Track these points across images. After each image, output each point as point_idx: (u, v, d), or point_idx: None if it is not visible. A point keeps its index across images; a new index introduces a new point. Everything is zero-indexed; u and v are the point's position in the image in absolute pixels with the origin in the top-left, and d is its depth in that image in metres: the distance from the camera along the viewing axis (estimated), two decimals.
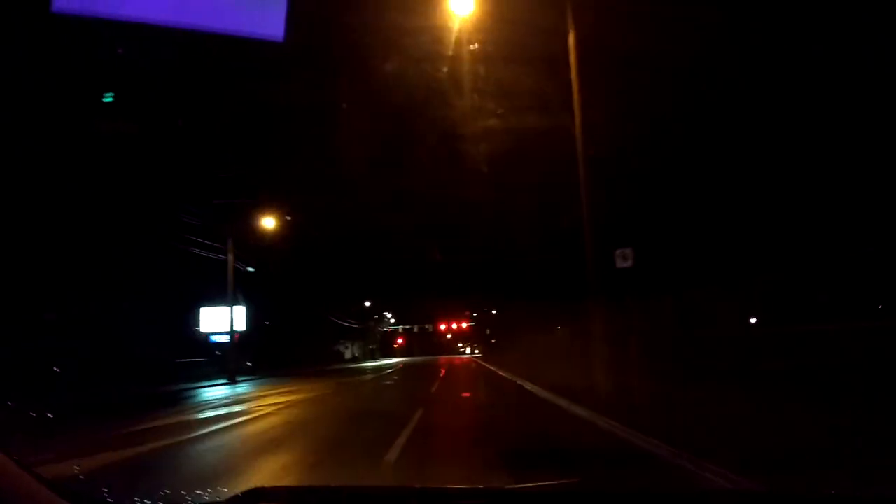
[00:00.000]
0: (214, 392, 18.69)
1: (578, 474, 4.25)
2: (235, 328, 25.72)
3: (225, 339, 27.21)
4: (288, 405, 12.64)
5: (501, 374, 25.38)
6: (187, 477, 5.40)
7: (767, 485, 3.68)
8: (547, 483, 2.67)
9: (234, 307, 25.39)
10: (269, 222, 26.11)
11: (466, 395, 15.80)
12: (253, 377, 26.13)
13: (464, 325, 75.26)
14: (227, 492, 2.16)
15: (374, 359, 61.01)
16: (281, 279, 35.00)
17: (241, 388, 20.21)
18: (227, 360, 24.52)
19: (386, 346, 79.11)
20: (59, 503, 1.32)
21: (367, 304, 50.46)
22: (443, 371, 29.77)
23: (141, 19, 2.92)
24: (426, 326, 69.95)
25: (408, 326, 73.50)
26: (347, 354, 56.97)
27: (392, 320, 78.81)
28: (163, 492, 3.98)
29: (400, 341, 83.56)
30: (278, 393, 16.31)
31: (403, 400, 14.01)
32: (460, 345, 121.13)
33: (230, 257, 24.06)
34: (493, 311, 69.89)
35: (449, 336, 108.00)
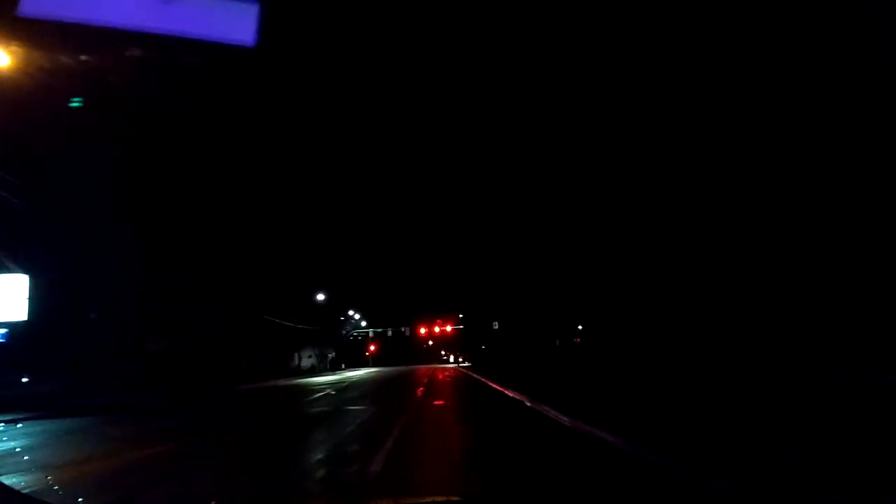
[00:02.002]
0: None
1: None
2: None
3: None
4: None
5: (509, 394, 15.75)
6: None
7: None
8: None
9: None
10: None
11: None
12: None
13: (448, 328, 65.11)
14: None
15: (336, 370, 50.49)
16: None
17: None
18: None
19: (354, 354, 68.47)
20: None
21: (321, 297, 40.47)
22: (420, 390, 19.73)
23: (110, 24, 2.95)
24: (402, 330, 59.72)
25: (379, 330, 62.99)
26: (305, 364, 46.50)
27: (363, 323, 68.27)
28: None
29: (372, 348, 72.85)
30: None
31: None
32: (443, 353, 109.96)
33: None
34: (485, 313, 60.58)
35: (430, 342, 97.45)
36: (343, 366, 57.60)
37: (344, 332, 57.26)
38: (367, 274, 67.66)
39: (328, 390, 21.03)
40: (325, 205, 66.49)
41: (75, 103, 15.90)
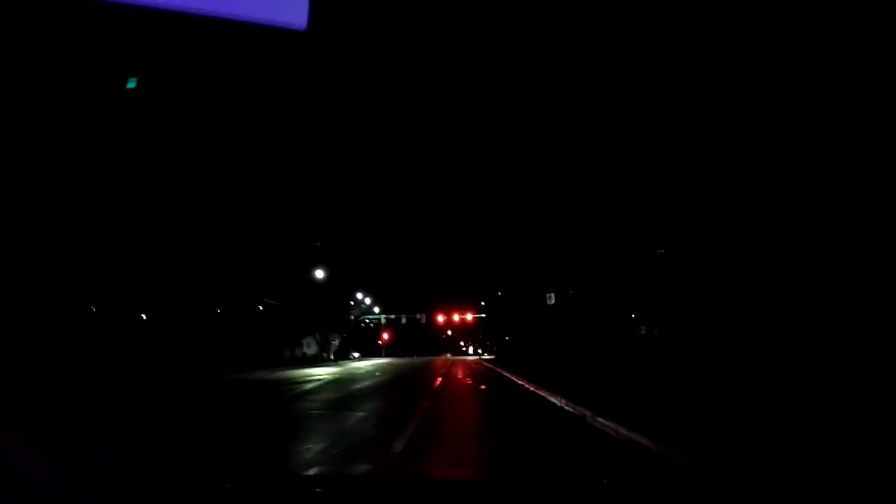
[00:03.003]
0: None
1: None
2: None
3: None
4: None
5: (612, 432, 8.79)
6: None
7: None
8: None
9: None
10: None
11: None
12: None
13: (468, 316, 58.91)
14: None
15: (344, 359, 44.77)
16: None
17: None
18: None
19: (366, 342, 62.84)
20: (67, 488, 1.43)
21: (320, 274, 34.48)
22: (424, 405, 13.38)
23: (160, 5, 2.72)
24: (418, 317, 53.73)
25: (392, 317, 57.08)
26: (304, 352, 40.93)
27: (376, 309, 62.50)
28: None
29: (385, 337, 67.14)
30: None
31: None
32: (462, 343, 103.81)
33: None
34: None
35: (449, 332, 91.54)
36: (355, 354, 51.92)
37: (353, 318, 51.57)
38: (380, 253, 61.98)
39: (322, 390, 15.03)
40: (337, 177, 60.74)
41: (131, 84, 16.86)
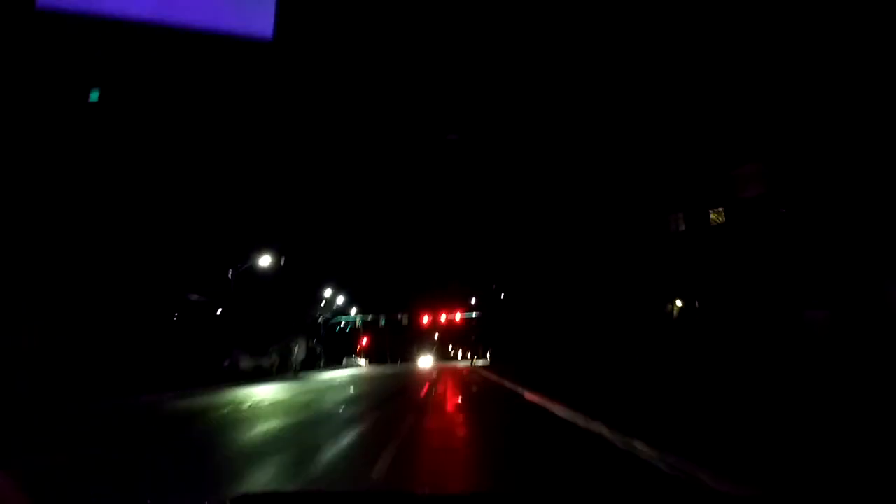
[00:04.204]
0: None
1: None
2: None
3: None
4: None
5: None
6: None
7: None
8: None
9: None
10: None
11: None
12: None
13: (457, 316, 52.07)
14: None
15: (308, 371, 37.56)
16: None
17: None
18: None
19: (341, 349, 55.61)
20: None
21: (267, 261, 26.82)
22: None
23: (127, 16, 3.00)
24: (399, 317, 46.84)
25: (369, 317, 49.90)
26: (264, 362, 33.83)
27: (353, 311, 55.23)
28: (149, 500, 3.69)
29: (364, 342, 59.94)
30: None
31: None
32: (451, 348, 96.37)
33: None
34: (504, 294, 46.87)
35: (436, 335, 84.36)
36: (317, 365, 44.44)
37: (320, 318, 44.22)
38: (355, 243, 54.90)
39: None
40: (305, 169, 53.73)
41: (93, 97, 17.46)
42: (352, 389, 18.06)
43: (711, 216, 22.29)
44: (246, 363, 27.58)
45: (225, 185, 30.28)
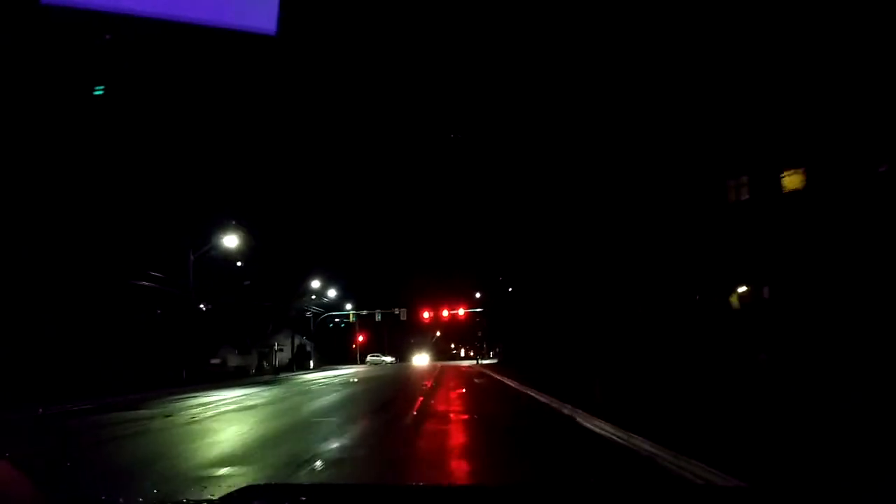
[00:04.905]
0: None
1: None
2: None
3: None
4: None
5: None
6: None
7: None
8: None
9: None
10: None
11: None
12: None
13: (460, 311, 47.68)
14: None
15: (296, 372, 33.14)
16: None
17: None
18: None
19: (335, 347, 51.27)
20: None
21: (230, 241, 21.88)
22: None
23: (130, 11, 3.06)
24: (396, 312, 42.48)
25: (364, 313, 45.39)
26: (239, 361, 29.49)
27: (348, 306, 50.74)
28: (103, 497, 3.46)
29: (361, 339, 55.59)
30: None
31: None
32: (453, 346, 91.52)
33: None
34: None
35: (437, 333, 79.87)
36: (305, 366, 39.69)
37: (308, 313, 39.58)
38: (350, 233, 50.55)
39: None
40: (302, 157, 49.51)
41: (98, 91, 16.91)
42: (310, 405, 13.58)
43: (785, 180, 17.86)
44: (236, 360, 23.14)
45: (198, 163, 26.11)
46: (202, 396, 15.77)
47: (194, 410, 11.91)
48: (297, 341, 40.59)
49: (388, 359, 56.32)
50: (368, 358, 54.82)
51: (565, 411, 9.63)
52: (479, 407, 11.64)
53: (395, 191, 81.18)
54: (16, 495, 1.30)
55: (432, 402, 12.81)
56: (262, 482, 4.84)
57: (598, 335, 21.20)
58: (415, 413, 10.40)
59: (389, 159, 73.29)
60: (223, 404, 13.29)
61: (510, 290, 35.46)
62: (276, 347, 30.71)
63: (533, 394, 13.37)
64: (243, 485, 2.64)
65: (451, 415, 10.32)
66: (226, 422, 10.14)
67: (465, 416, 10.00)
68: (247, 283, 28.28)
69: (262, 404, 13.25)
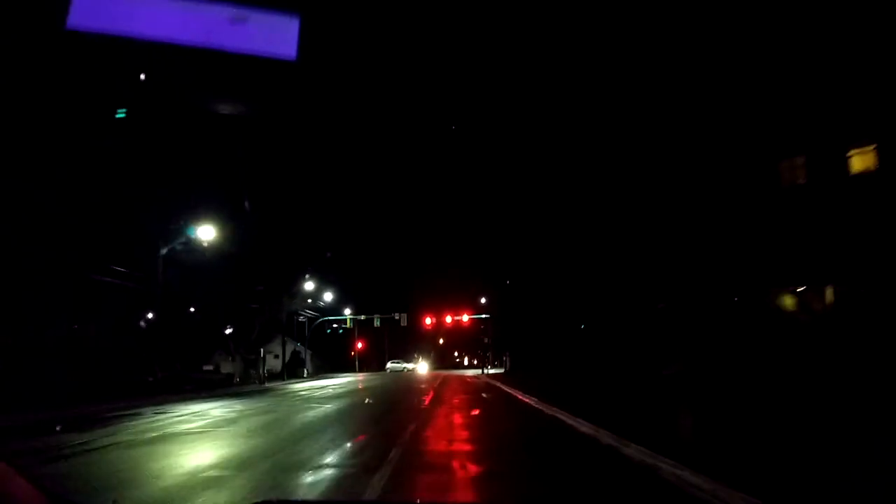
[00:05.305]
0: None
1: None
2: None
3: None
4: None
5: None
6: None
7: None
8: None
9: None
10: None
11: None
12: None
13: (465, 317, 44.92)
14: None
15: (286, 381, 30.48)
16: None
17: None
18: None
19: (333, 353, 48.58)
20: None
21: (207, 233, 19.08)
22: None
23: (154, 37, 3.03)
24: (396, 317, 39.82)
25: (363, 317, 42.66)
26: (226, 369, 26.90)
27: (347, 311, 48.04)
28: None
29: (360, 346, 52.84)
30: None
31: None
32: (456, 355, 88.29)
33: None
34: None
35: (441, 340, 76.96)
36: (298, 374, 36.87)
37: (301, 318, 36.91)
38: (349, 234, 48.03)
39: None
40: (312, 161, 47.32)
41: (120, 114, 16.69)
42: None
43: (853, 160, 15.16)
44: (229, 367, 20.47)
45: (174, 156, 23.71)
46: (187, 407, 13.07)
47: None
48: (290, 347, 37.96)
49: (410, 365, 53.82)
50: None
51: (641, 457, 6.30)
52: (494, 441, 8.66)
53: (395, 191, 78.77)
54: (15, 495, 1.29)
55: (427, 433, 9.54)
56: None
57: (627, 342, 18.44)
58: (392, 468, 6.06)
59: (389, 157, 71.02)
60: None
61: (520, 293, 32.80)
62: (262, 354, 28.14)
63: (565, 418, 10.45)
64: None
65: (454, 461, 7.06)
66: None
67: (475, 469, 6.79)
68: (231, 284, 25.78)
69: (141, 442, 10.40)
